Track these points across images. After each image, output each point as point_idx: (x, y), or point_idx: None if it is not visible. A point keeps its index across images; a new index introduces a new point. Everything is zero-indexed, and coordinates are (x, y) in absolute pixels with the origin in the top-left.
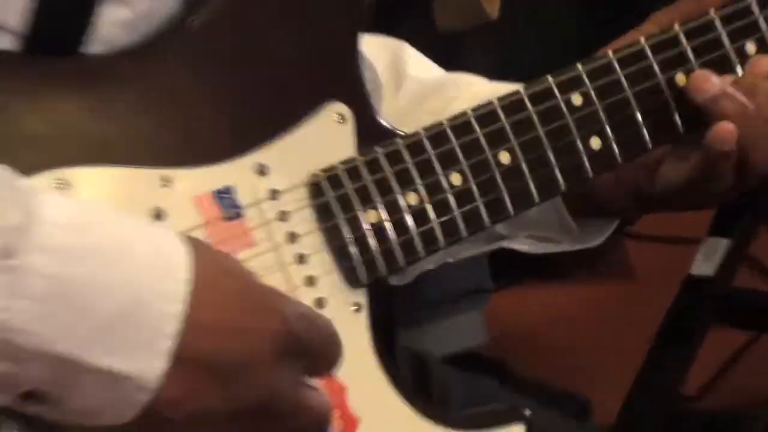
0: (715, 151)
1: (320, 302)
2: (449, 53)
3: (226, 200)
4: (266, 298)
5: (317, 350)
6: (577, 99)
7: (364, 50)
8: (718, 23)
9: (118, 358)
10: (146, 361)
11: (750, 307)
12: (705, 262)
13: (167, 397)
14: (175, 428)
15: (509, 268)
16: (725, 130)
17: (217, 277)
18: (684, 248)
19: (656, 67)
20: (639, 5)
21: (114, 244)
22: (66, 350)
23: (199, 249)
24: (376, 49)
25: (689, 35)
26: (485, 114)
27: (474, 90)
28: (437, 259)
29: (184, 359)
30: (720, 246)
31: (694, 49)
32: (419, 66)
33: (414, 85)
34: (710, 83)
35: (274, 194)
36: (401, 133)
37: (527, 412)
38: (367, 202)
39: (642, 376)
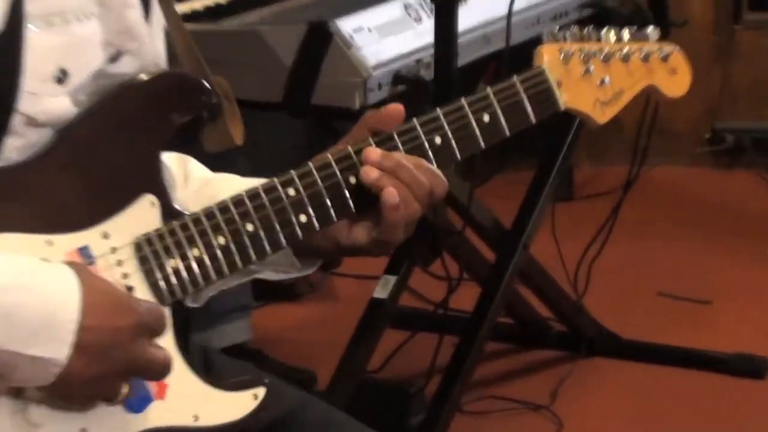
0: (388, 204)
1: None
2: (221, 161)
3: (85, 253)
4: (126, 301)
5: (158, 327)
6: (291, 191)
7: (165, 160)
8: (395, 137)
9: (41, 348)
10: (58, 349)
11: (405, 316)
12: (382, 290)
13: (71, 369)
14: (79, 388)
15: (268, 292)
16: (390, 192)
17: (95, 295)
18: (370, 282)
19: (338, 172)
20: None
21: (28, 280)
22: (8, 347)
23: (81, 275)
24: (170, 159)
25: (358, 152)
26: (240, 200)
27: (231, 183)
28: (216, 287)
29: (80, 347)
30: (391, 280)
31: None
32: (198, 169)
33: (196, 181)
34: (373, 172)
35: (113, 250)
36: (187, 212)
37: (266, 380)
38: (169, 253)
39: (344, 357)
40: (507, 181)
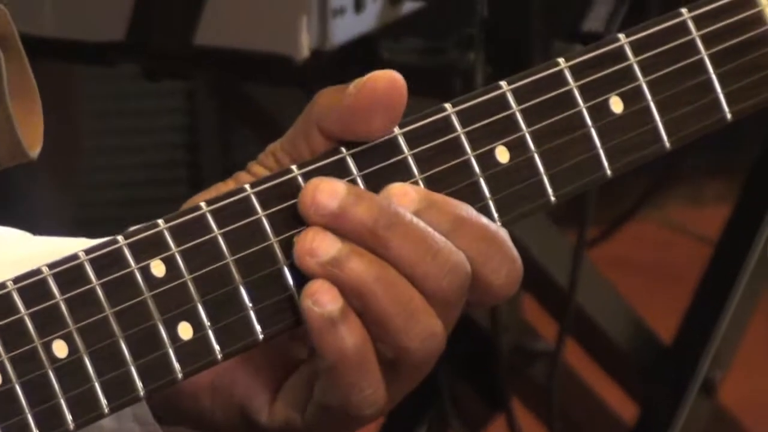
0: (311, 321)
1: None
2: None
3: None
4: None
5: None
6: (158, 268)
7: None
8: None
9: None
10: None
11: None
12: None
13: None
14: None
15: None
16: (316, 291)
17: None
18: None
19: (267, 226)
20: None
21: None
22: None
23: None
24: None
25: (307, 175)
26: (31, 285)
27: (20, 251)
28: None
29: None
30: None
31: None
32: None
33: None
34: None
35: None
36: None
37: None
38: None
39: None
40: (655, 227)
